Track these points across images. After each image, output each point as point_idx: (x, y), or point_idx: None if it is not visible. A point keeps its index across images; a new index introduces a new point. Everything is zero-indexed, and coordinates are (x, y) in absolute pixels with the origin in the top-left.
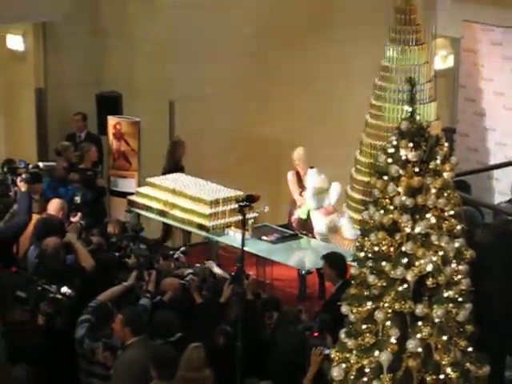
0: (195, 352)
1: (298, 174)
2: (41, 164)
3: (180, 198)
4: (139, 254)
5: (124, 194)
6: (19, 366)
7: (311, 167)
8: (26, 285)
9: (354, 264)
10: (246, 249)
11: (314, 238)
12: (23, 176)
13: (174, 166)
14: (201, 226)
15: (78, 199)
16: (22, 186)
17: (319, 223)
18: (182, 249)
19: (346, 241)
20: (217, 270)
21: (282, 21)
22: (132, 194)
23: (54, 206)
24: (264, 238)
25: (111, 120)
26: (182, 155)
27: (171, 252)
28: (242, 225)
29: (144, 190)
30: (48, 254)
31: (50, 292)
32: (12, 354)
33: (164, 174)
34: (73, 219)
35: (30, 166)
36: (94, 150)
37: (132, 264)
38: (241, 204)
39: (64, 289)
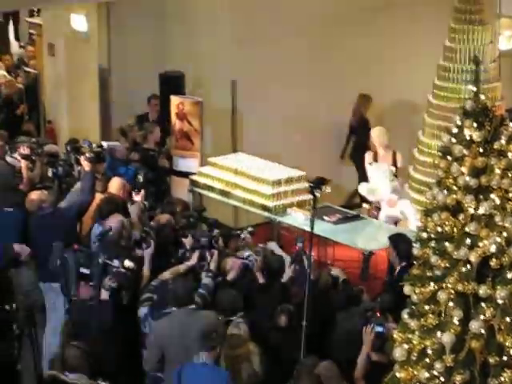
0: (236, 328)
1: (375, 155)
2: (104, 143)
3: (242, 178)
4: (200, 234)
5: (186, 174)
6: (75, 344)
7: (370, 163)
8: (89, 261)
9: (417, 245)
10: (307, 229)
11: None
12: (87, 155)
13: (361, 119)
14: (263, 207)
15: (140, 178)
16: (86, 165)
17: (382, 213)
18: (249, 229)
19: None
20: (278, 250)
21: (345, 3)
22: (194, 173)
23: (114, 184)
24: (326, 218)
25: (174, 100)
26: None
27: (238, 232)
28: (313, 206)
29: (206, 169)
30: (111, 232)
31: (113, 266)
32: (76, 330)
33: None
34: (135, 198)
35: (94, 146)
36: (157, 130)
37: (188, 243)
38: (312, 185)
39: (127, 262)
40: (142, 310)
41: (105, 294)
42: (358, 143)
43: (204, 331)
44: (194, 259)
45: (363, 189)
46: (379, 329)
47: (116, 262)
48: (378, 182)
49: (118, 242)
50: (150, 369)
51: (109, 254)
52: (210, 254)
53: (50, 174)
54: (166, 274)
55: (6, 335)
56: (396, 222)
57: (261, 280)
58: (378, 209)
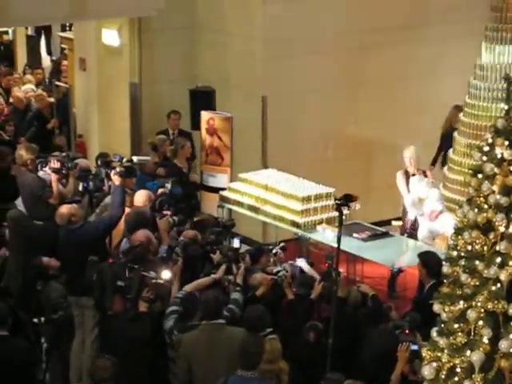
0: (269, 344)
1: (406, 174)
2: (135, 158)
3: (272, 194)
4: (228, 248)
5: (216, 190)
6: (104, 357)
7: (413, 174)
8: (125, 274)
9: (447, 263)
10: (336, 246)
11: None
12: (117, 170)
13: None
14: (292, 223)
15: (168, 186)
16: (116, 180)
17: (422, 228)
18: (281, 244)
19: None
20: (306, 267)
21: (374, 20)
22: (224, 189)
23: (139, 197)
24: (355, 235)
25: (204, 115)
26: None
27: (270, 247)
28: (339, 223)
29: (236, 185)
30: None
31: (151, 278)
32: (109, 343)
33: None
34: (164, 212)
35: (124, 160)
36: (188, 145)
37: (217, 259)
38: (338, 202)
39: (165, 273)
40: (168, 323)
41: (143, 306)
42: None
43: (250, 351)
44: (219, 272)
45: (408, 200)
46: (414, 347)
47: (153, 274)
48: (423, 191)
49: (146, 257)
50: (180, 382)
51: (145, 267)
52: (236, 268)
53: (80, 188)
54: (189, 287)
55: (34, 348)
56: (434, 238)
57: (290, 296)
58: (414, 226)
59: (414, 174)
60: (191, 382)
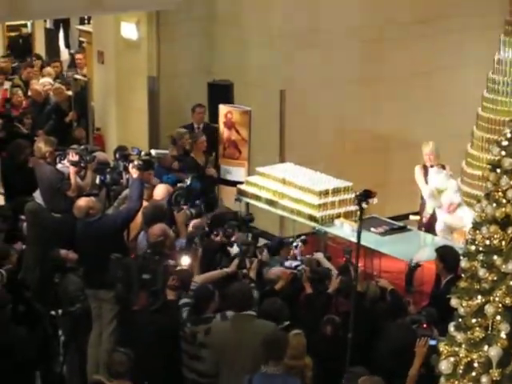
0: (294, 339)
1: (425, 168)
2: (153, 151)
3: (289, 188)
4: (242, 242)
5: (234, 183)
6: (121, 351)
7: (431, 166)
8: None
9: (465, 258)
10: (354, 240)
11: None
12: (135, 163)
13: None
14: (310, 217)
15: (188, 181)
16: (134, 173)
17: (439, 221)
18: (302, 237)
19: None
20: (324, 261)
21: (391, 13)
22: (241, 183)
23: (159, 191)
24: (372, 229)
25: (222, 109)
26: None
27: (291, 239)
28: (359, 218)
29: (253, 179)
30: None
31: (173, 266)
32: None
33: None
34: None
35: (142, 153)
36: (203, 139)
37: (234, 253)
38: (358, 197)
39: (184, 259)
40: (181, 315)
41: (171, 295)
42: None
43: (275, 342)
44: (232, 266)
45: (426, 191)
46: (433, 342)
47: (172, 262)
48: (442, 182)
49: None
50: (207, 370)
51: (165, 257)
52: (249, 262)
53: (97, 181)
54: (200, 279)
55: (51, 341)
56: (452, 232)
57: (309, 290)
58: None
59: (432, 166)
60: (218, 373)
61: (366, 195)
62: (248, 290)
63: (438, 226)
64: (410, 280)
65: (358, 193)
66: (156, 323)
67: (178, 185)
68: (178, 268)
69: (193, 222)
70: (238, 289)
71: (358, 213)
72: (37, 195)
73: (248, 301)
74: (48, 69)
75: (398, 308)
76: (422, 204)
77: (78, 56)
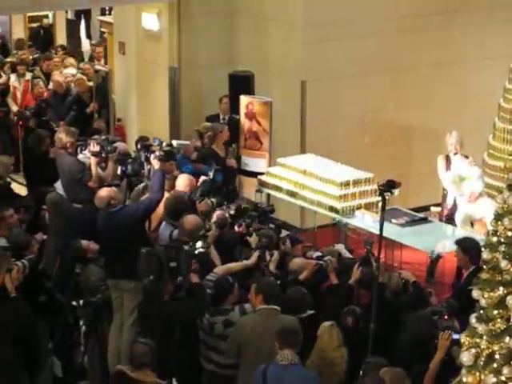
0: (333, 330)
1: (447, 159)
2: (174, 142)
3: (310, 179)
4: (263, 233)
5: (254, 174)
6: (144, 341)
7: (455, 153)
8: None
9: (486, 249)
10: (375, 231)
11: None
12: (157, 153)
13: None
14: (330, 208)
15: (211, 174)
16: (156, 164)
17: (460, 211)
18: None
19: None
20: (346, 252)
21: (413, 4)
22: (262, 173)
23: (181, 181)
24: (393, 220)
25: (244, 100)
26: None
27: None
28: (382, 208)
29: (274, 170)
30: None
31: (191, 250)
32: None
33: None
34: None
35: (164, 144)
36: (225, 130)
37: (253, 242)
38: (381, 188)
39: (199, 243)
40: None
41: (195, 278)
42: None
43: (292, 329)
44: (252, 259)
45: (449, 178)
46: (456, 336)
47: (187, 247)
48: (465, 169)
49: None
50: (226, 362)
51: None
52: (270, 255)
53: (118, 171)
54: (220, 270)
55: (72, 331)
56: (472, 223)
57: (334, 281)
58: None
59: (456, 153)
60: (239, 364)
61: (389, 185)
62: (275, 283)
63: (458, 216)
64: (431, 271)
65: (380, 183)
66: (185, 308)
67: (201, 179)
68: (199, 251)
69: (217, 213)
70: (267, 282)
71: (381, 203)
72: (58, 186)
73: (276, 294)
74: (70, 59)
75: (419, 300)
76: (443, 195)
77: (98, 49)
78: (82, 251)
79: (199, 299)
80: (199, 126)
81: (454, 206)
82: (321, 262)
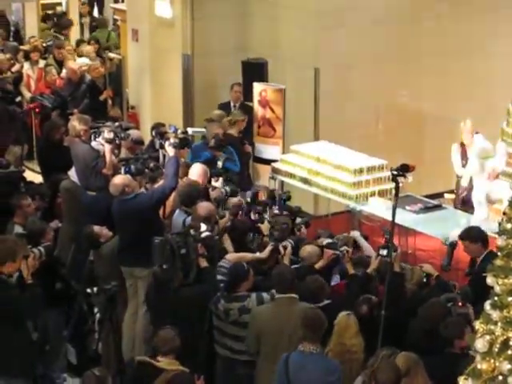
0: (351, 319)
1: (462, 146)
2: (189, 130)
3: (324, 166)
4: (277, 222)
5: (268, 161)
6: (167, 328)
7: (476, 132)
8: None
9: (501, 236)
10: (388, 218)
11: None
12: (171, 141)
13: None
14: (344, 195)
15: (220, 164)
16: (170, 151)
17: (477, 190)
18: (305, 219)
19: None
20: (360, 239)
21: None
22: (276, 161)
23: (195, 170)
24: (407, 207)
25: (257, 87)
26: None
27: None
28: (395, 194)
29: (288, 157)
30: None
31: (198, 234)
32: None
33: None
34: (214, 184)
35: (179, 132)
36: (243, 118)
37: (264, 230)
38: (394, 173)
39: (203, 227)
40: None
41: (203, 262)
42: None
43: (316, 318)
44: (265, 253)
45: (474, 150)
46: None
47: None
48: (489, 145)
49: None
50: (242, 348)
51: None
52: (283, 248)
53: (122, 172)
54: (232, 257)
55: (87, 318)
56: (489, 202)
57: (351, 271)
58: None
59: (477, 132)
60: (258, 353)
61: (403, 169)
62: (291, 271)
63: (475, 195)
64: (448, 258)
65: (393, 168)
66: (195, 294)
67: (213, 171)
68: (204, 235)
69: (233, 201)
70: (284, 271)
71: (394, 189)
72: (72, 173)
73: (292, 282)
74: (87, 47)
75: (445, 292)
76: (457, 182)
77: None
78: (94, 236)
79: (209, 283)
80: (210, 114)
81: (470, 189)
82: (337, 252)
